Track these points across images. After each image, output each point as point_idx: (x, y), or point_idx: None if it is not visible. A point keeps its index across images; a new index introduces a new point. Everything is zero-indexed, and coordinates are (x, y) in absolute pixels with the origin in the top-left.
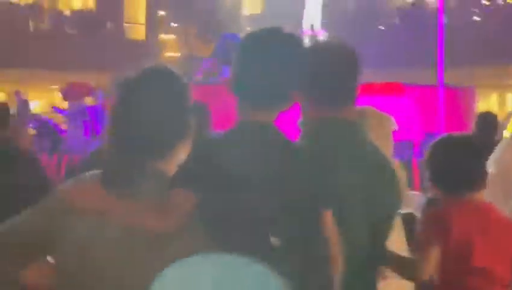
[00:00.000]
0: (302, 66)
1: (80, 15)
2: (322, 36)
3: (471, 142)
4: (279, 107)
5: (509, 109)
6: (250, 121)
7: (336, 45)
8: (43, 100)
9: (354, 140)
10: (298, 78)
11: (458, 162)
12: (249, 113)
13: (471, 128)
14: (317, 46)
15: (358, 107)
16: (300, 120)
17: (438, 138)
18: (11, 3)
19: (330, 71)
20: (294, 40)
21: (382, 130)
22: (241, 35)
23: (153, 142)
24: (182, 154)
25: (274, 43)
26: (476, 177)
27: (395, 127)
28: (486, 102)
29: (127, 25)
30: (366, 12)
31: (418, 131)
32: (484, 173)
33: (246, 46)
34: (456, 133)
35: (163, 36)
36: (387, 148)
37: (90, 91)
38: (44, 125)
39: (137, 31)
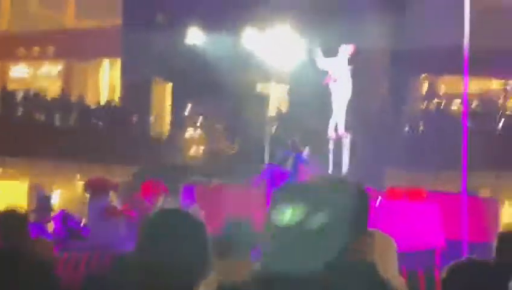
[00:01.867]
0: None
1: (105, 109)
2: (346, 139)
3: (490, 268)
4: None
5: None
6: None
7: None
8: (65, 193)
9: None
10: None
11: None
12: None
13: (493, 239)
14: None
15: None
16: None
17: (457, 261)
18: (36, 95)
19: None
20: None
21: (387, 252)
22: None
23: (172, 283)
24: None
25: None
26: None
27: (396, 247)
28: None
29: (152, 118)
30: (391, 115)
31: (440, 239)
32: None
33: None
34: (476, 258)
35: (188, 131)
36: (392, 267)
37: (113, 186)
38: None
39: (163, 125)
